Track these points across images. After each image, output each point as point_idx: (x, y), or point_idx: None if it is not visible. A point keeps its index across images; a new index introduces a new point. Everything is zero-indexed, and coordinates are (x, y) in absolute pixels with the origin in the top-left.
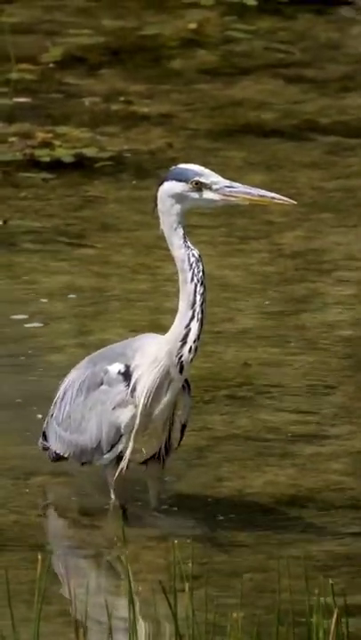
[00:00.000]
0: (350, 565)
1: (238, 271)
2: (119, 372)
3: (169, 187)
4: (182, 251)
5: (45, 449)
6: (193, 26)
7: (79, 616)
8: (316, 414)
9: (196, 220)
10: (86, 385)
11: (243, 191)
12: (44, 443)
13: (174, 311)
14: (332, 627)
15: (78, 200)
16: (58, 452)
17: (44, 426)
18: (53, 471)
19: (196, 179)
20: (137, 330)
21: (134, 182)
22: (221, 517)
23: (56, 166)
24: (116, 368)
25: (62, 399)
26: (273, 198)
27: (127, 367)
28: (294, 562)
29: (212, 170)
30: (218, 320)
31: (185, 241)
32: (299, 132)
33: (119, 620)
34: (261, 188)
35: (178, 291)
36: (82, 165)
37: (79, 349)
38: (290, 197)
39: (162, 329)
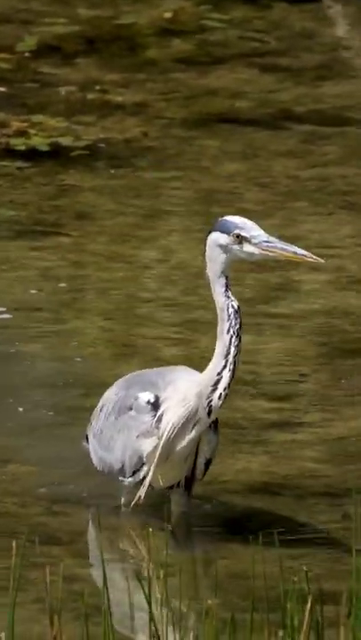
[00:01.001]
0: (325, 552)
1: None
2: (148, 402)
3: (215, 237)
4: (223, 299)
5: (87, 450)
6: (168, 15)
7: (54, 603)
8: (290, 402)
9: (171, 207)
10: (118, 406)
11: (279, 247)
12: (86, 445)
13: (150, 299)
14: (307, 613)
15: (53, 189)
16: (93, 461)
17: (88, 429)
18: (28, 460)
19: (237, 232)
20: (112, 318)
21: (112, 171)
22: (195, 505)
23: (31, 155)
24: (146, 397)
25: (100, 412)
26: (304, 256)
27: (157, 398)
28: (269, 549)
29: (188, 159)
30: (193, 308)
31: (226, 290)
32: (274, 121)
33: (93, 607)
34: (288, 244)
35: (154, 279)
36: (57, 154)
37: (55, 338)
38: (265, 186)
39: (137, 317)
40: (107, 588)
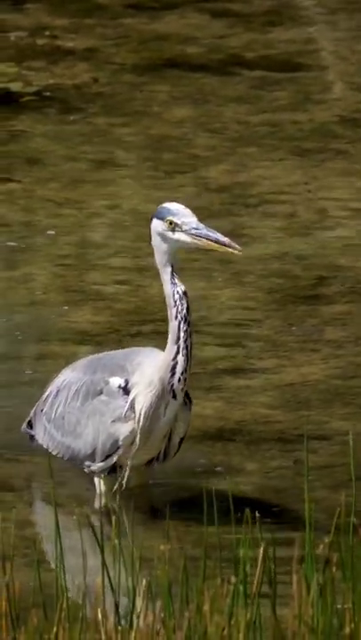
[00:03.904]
0: (277, 498)
1: None
2: (119, 386)
3: (154, 224)
4: (169, 287)
5: (30, 436)
6: None
7: (5, 549)
8: (242, 348)
9: (121, 153)
10: (84, 391)
11: (204, 234)
12: (29, 431)
13: (101, 246)
14: (259, 560)
15: (4, 135)
16: (45, 447)
17: (31, 415)
18: None
19: (170, 218)
20: (63, 264)
21: (72, 118)
22: None
23: None
24: (116, 382)
25: (55, 397)
26: (224, 244)
27: (127, 382)
28: (221, 495)
29: (138, 105)
30: (143, 254)
31: (172, 277)
32: (224, 67)
33: (45, 552)
34: (221, 234)
35: (105, 225)
36: (8, 100)
37: (6, 283)
38: (215, 131)
39: (88, 263)
40: (59, 535)
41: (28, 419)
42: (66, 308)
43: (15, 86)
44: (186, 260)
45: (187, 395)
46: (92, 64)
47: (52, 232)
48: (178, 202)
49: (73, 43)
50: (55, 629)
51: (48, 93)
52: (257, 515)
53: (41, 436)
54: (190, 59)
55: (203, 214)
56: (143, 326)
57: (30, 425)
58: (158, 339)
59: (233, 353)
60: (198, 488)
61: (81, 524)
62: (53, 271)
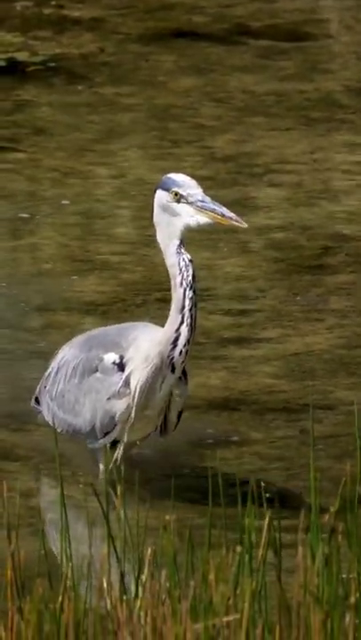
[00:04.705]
0: (282, 468)
1: None
2: (114, 363)
3: (158, 196)
4: (174, 257)
5: (38, 412)
6: None
7: (11, 518)
8: (247, 317)
9: (127, 123)
10: (80, 368)
11: (210, 208)
12: (37, 407)
13: (106, 215)
14: (265, 530)
15: (10, 104)
16: (50, 424)
17: (37, 391)
18: None
19: (175, 189)
20: (68, 234)
21: (78, 87)
22: None
23: None
24: (111, 358)
25: (56, 374)
26: (230, 218)
27: (122, 358)
28: (226, 464)
29: (144, 75)
30: (149, 224)
31: (179, 247)
32: (230, 36)
33: (51, 522)
34: (228, 208)
35: (110, 195)
36: (14, 70)
37: (11, 253)
38: (221, 101)
39: (93, 233)
40: (64, 505)
41: (35, 395)
42: (72, 277)
43: (21, 56)
44: (191, 231)
45: (183, 371)
46: (98, 34)
47: (67, 202)
48: (183, 171)
49: (79, 12)
50: (60, 599)
51: (54, 63)
52: (262, 484)
53: (45, 413)
54: (196, 28)
55: (208, 184)
56: (149, 296)
57: (37, 401)
58: (165, 308)
59: (238, 323)
60: (204, 458)
61: (86, 493)
62: (59, 241)
